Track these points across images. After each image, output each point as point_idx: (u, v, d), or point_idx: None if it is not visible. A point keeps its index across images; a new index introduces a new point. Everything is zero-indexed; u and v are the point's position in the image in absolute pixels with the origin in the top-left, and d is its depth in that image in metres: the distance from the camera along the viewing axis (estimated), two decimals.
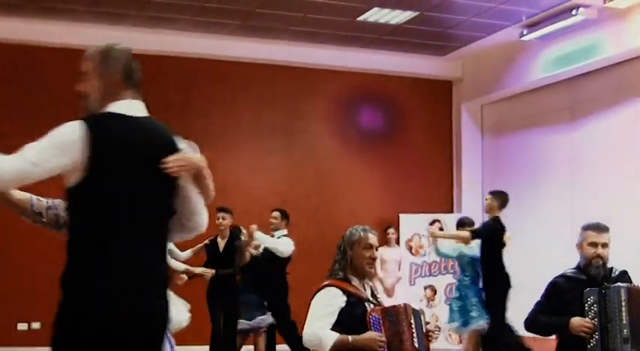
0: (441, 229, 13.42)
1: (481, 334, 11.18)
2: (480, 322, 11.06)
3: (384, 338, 5.48)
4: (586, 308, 5.88)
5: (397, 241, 14.94)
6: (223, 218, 11.57)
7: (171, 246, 10.25)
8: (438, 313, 14.74)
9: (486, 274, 11.10)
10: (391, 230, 14.69)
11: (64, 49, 13.07)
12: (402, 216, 15.11)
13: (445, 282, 14.89)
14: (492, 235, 10.93)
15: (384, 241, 14.46)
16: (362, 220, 6.14)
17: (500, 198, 11.12)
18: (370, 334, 5.48)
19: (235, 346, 11.40)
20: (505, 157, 15.46)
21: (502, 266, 10.99)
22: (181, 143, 4.13)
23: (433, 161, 15.99)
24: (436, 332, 14.51)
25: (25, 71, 13.46)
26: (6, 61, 13.29)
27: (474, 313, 11.10)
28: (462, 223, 11.64)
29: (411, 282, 14.99)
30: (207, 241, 11.58)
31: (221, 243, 11.63)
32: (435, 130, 16.09)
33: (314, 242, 14.15)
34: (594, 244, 6.10)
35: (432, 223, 15.00)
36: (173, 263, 10.14)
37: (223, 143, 14.52)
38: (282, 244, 11.75)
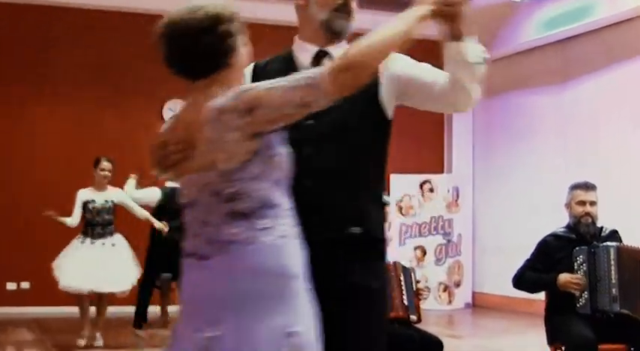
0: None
1: None
2: None
3: None
4: (575, 267, 5.90)
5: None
6: None
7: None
8: (428, 274, 14.78)
9: None
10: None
11: (76, 9, 13.22)
12: (392, 176, 15.10)
13: (435, 243, 14.92)
14: None
15: None
16: None
17: None
18: None
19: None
20: (496, 118, 15.45)
21: None
22: None
23: (424, 122, 15.93)
24: (426, 292, 14.59)
25: (38, 32, 13.42)
26: (18, 21, 13.23)
27: None
28: None
29: (401, 242, 15.02)
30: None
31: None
32: None
33: None
34: (582, 203, 6.12)
35: (423, 183, 15.04)
36: (138, 211, 10.16)
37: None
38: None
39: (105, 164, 9.60)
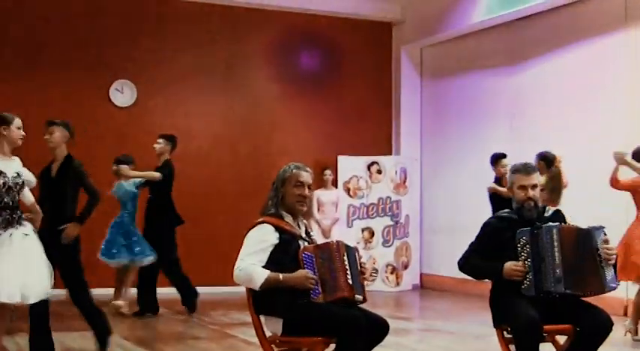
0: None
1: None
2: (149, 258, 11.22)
3: (315, 276, 5.43)
4: (519, 249, 5.87)
5: (334, 183, 14.90)
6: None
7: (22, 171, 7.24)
8: (376, 255, 14.80)
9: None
10: (328, 172, 14.64)
11: None
12: (340, 158, 15.06)
13: (383, 224, 14.92)
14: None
15: (322, 184, 14.44)
16: (299, 161, 6.03)
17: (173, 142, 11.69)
18: (301, 272, 5.44)
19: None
20: (444, 100, 15.46)
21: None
22: None
23: (372, 103, 15.95)
24: (373, 274, 14.59)
25: (30, 9, 13.40)
26: None
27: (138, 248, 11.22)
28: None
29: (348, 224, 15.00)
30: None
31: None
32: (375, 73, 16.04)
33: (250, 184, 14.17)
34: (524, 187, 6.07)
35: (371, 165, 15.01)
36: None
37: (159, 85, 14.40)
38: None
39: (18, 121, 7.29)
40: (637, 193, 9.32)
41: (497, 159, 11.73)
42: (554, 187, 10.69)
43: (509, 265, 5.86)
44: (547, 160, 10.81)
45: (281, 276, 5.41)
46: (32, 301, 6.93)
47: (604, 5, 12.00)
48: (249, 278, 5.43)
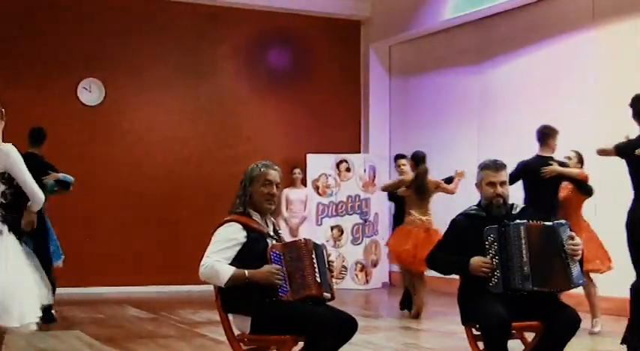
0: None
1: None
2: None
3: (281, 271, 5.42)
4: (487, 246, 5.87)
5: (303, 182, 14.90)
6: None
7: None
8: (345, 254, 14.80)
9: None
10: (297, 170, 14.64)
11: None
12: (309, 156, 15.06)
13: (352, 222, 14.94)
14: None
15: (291, 182, 14.43)
16: (268, 159, 6.02)
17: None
18: (266, 267, 5.42)
19: None
20: (413, 97, 15.49)
21: None
22: None
23: (341, 102, 15.96)
24: (342, 272, 14.59)
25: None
26: None
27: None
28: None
29: (317, 222, 15.00)
30: None
31: None
32: (344, 71, 16.05)
33: (219, 182, 14.12)
34: (492, 184, 6.07)
35: (339, 163, 15.02)
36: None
37: (127, 83, 14.34)
38: None
39: None
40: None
41: (395, 158, 12.01)
42: (419, 185, 10.90)
43: (476, 260, 5.86)
44: (417, 159, 11.04)
45: (246, 272, 5.39)
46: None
47: (572, 3, 12.06)
48: (214, 275, 5.41)
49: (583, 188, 9.58)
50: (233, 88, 15.16)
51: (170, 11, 14.71)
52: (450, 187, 11.20)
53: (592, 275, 9.45)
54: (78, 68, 13.99)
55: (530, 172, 9.69)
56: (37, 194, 6.73)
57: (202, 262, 5.46)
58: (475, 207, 6.24)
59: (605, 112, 11.34)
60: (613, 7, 11.43)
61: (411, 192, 11.10)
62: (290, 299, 5.42)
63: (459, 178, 11.23)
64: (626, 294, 7.84)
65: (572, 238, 5.85)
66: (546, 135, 9.93)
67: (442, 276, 6.49)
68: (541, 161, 9.73)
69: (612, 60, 11.45)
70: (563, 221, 5.99)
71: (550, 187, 9.66)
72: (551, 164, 9.64)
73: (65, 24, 13.95)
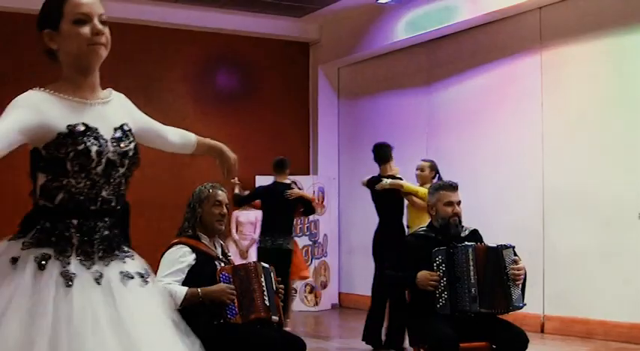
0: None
1: None
2: None
3: (233, 289, 5.40)
4: (434, 267, 5.90)
5: (253, 204, 14.84)
6: None
7: None
8: None
9: None
10: (246, 192, 14.58)
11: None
12: (258, 177, 15.02)
13: (301, 244, 14.89)
14: None
15: None
16: (216, 181, 6.00)
17: None
18: (220, 286, 5.42)
19: None
20: (361, 119, 15.53)
21: None
22: None
23: (290, 123, 15.96)
24: (292, 293, 14.55)
25: None
26: None
27: None
28: None
29: None
30: None
31: None
32: (292, 92, 16.06)
33: (166, 204, 13.99)
34: (450, 204, 6.14)
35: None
36: None
37: None
38: None
39: None
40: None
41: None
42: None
43: (423, 273, 5.89)
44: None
45: (199, 290, 5.37)
46: None
47: (519, 25, 12.17)
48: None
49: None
50: (181, 110, 15.09)
51: (118, 31, 14.47)
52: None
53: None
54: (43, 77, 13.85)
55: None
56: None
57: None
58: (424, 228, 6.29)
59: (552, 133, 11.44)
60: (560, 29, 11.56)
61: None
62: (239, 322, 5.40)
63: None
64: None
65: (515, 262, 5.90)
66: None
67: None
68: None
69: (558, 82, 11.56)
70: (508, 244, 6.03)
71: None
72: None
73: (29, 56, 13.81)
